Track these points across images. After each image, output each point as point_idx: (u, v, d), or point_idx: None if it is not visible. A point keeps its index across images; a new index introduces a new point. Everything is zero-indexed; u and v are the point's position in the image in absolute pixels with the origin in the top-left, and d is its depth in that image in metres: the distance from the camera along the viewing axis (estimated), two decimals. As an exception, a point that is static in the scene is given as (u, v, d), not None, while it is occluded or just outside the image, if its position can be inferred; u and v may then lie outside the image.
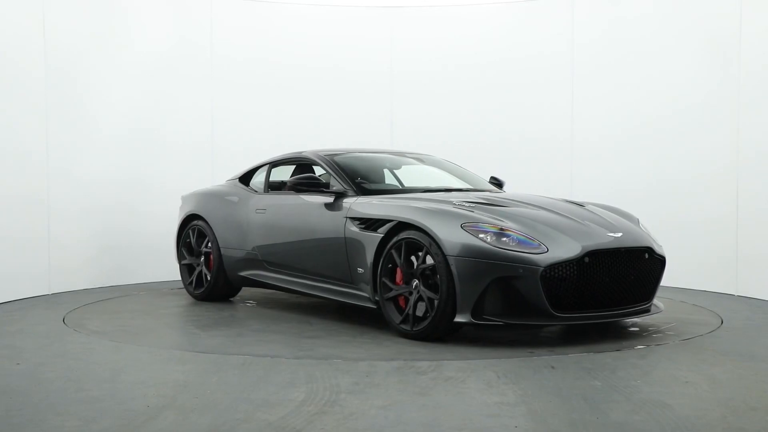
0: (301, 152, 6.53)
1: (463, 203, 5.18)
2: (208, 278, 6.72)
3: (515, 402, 3.53)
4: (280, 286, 6.16)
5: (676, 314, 6.07)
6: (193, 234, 6.99)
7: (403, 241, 4.98)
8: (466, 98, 8.84)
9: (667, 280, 7.67)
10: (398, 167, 6.55)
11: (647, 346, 4.78)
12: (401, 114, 8.92)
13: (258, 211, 6.38)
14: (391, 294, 5.05)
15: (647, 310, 5.19)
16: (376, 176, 6.25)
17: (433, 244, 4.79)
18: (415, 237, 4.90)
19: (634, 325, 5.49)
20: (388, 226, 5.10)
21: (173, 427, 3.17)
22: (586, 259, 4.76)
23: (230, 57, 8.58)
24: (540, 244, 4.73)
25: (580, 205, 5.61)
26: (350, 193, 5.66)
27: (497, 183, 6.57)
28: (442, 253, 4.73)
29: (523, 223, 4.90)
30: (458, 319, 4.71)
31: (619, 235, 5.05)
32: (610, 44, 8.22)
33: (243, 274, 6.45)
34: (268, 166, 6.76)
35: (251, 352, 4.64)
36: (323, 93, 8.83)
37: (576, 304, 4.78)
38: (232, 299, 6.85)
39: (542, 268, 4.62)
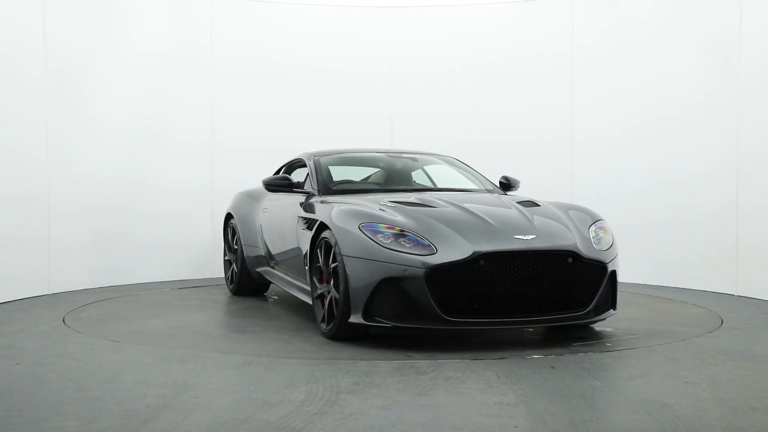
0: (303, 153, 6.67)
1: (390, 204, 5.11)
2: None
3: (515, 402, 3.53)
4: (276, 284, 6.34)
5: (676, 314, 6.07)
6: (229, 232, 7.32)
7: (322, 240, 5.06)
8: (466, 98, 8.84)
9: (668, 280, 7.72)
10: (391, 167, 6.59)
11: (648, 346, 4.77)
12: (401, 114, 8.92)
13: (264, 210, 6.64)
14: (317, 293, 5.15)
15: (582, 318, 4.83)
16: (350, 176, 6.36)
17: (336, 244, 4.83)
18: (328, 237, 4.97)
19: (606, 328, 5.48)
20: (316, 225, 5.21)
21: (173, 427, 3.17)
22: (481, 262, 4.55)
23: (230, 57, 8.58)
24: (430, 245, 4.59)
25: (536, 204, 5.38)
26: (315, 193, 5.83)
27: (507, 183, 6.36)
28: (341, 252, 4.77)
29: (425, 224, 4.76)
30: (351, 319, 4.70)
31: (530, 237, 4.75)
32: (610, 44, 8.22)
33: (259, 270, 6.69)
34: (285, 166, 6.99)
35: (251, 352, 4.64)
36: (323, 93, 8.83)
37: (472, 308, 4.57)
38: (265, 293, 7.06)
39: (426, 270, 4.49)
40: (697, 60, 7.56)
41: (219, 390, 3.74)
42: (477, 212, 4.98)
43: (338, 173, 6.48)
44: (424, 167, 6.63)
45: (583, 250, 4.83)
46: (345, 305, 4.72)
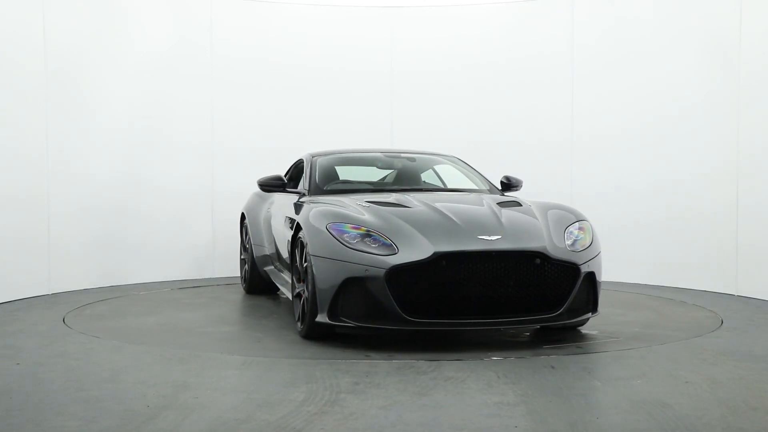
0: (306, 153, 6.73)
1: (365, 204, 5.12)
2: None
3: (515, 402, 3.53)
4: (276, 282, 6.38)
5: (676, 314, 6.07)
6: (243, 231, 7.44)
7: (299, 240, 5.11)
8: (466, 98, 8.84)
9: (668, 280, 7.72)
10: (388, 168, 6.63)
11: (648, 346, 4.78)
12: (401, 114, 8.92)
13: (267, 210, 6.75)
14: (296, 291, 5.20)
15: (554, 320, 4.74)
16: (350, 176, 6.39)
17: (307, 243, 4.88)
18: (302, 237, 5.01)
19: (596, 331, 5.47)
20: (294, 225, 5.27)
21: (173, 427, 3.17)
22: (443, 263, 4.52)
23: (230, 57, 8.58)
24: (392, 245, 4.59)
25: (518, 204, 5.34)
26: (305, 192, 5.91)
27: (507, 183, 6.32)
28: (309, 252, 4.82)
29: (391, 224, 4.76)
30: (318, 318, 4.72)
31: (494, 238, 4.68)
32: (610, 44, 8.22)
33: (266, 269, 6.74)
34: (292, 166, 7.06)
35: (251, 352, 4.64)
36: (323, 93, 8.83)
37: (435, 308, 4.54)
38: (277, 292, 7.04)
39: (387, 270, 4.49)
40: (697, 60, 7.56)
41: (219, 390, 3.74)
42: (448, 213, 4.94)
43: (342, 173, 6.52)
44: (434, 167, 6.63)
45: (553, 251, 4.72)
46: (312, 304, 4.76)
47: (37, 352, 4.63)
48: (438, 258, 4.51)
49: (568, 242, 4.89)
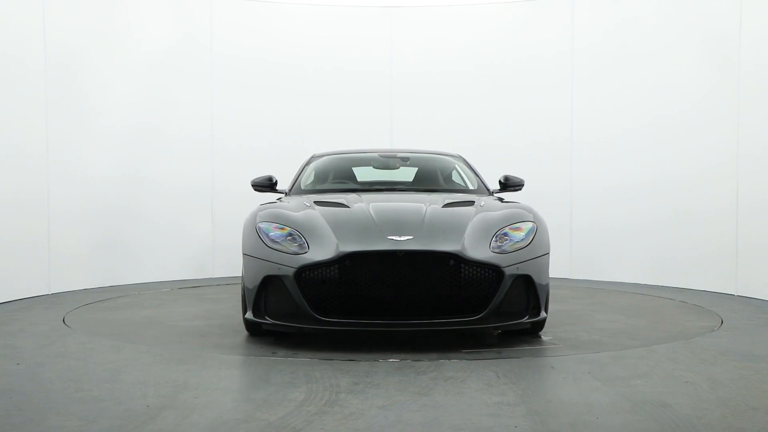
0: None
1: (307, 204, 5.18)
2: None
3: (515, 402, 3.53)
4: None
5: (676, 314, 6.07)
6: None
7: None
8: (466, 98, 8.84)
9: (668, 279, 7.72)
10: (384, 168, 6.67)
11: (648, 346, 4.77)
12: (401, 113, 8.93)
13: None
14: None
15: (475, 323, 4.58)
16: (342, 176, 6.38)
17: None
18: None
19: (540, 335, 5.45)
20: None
21: (173, 427, 3.17)
22: (347, 262, 4.52)
23: (230, 56, 8.58)
24: (304, 244, 4.66)
25: (469, 204, 5.22)
26: (286, 192, 6.04)
27: (505, 183, 6.20)
28: (242, 251, 4.95)
29: (311, 224, 4.81)
30: (246, 316, 4.86)
31: (404, 238, 4.59)
32: (610, 44, 8.22)
33: None
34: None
35: (251, 352, 4.64)
36: (323, 93, 8.84)
37: (344, 308, 4.53)
38: None
39: (295, 269, 4.55)
40: (697, 60, 7.56)
41: (219, 390, 3.74)
42: (374, 213, 4.91)
43: (339, 173, 6.52)
44: (456, 166, 6.60)
45: (471, 252, 4.58)
46: (243, 302, 4.93)
47: (37, 352, 4.63)
48: (342, 258, 4.52)
49: (496, 244, 4.72)
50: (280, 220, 4.91)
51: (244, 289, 4.90)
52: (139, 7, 8.03)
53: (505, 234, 4.83)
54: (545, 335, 5.12)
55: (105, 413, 3.35)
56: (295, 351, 4.65)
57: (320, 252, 4.58)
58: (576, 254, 8.48)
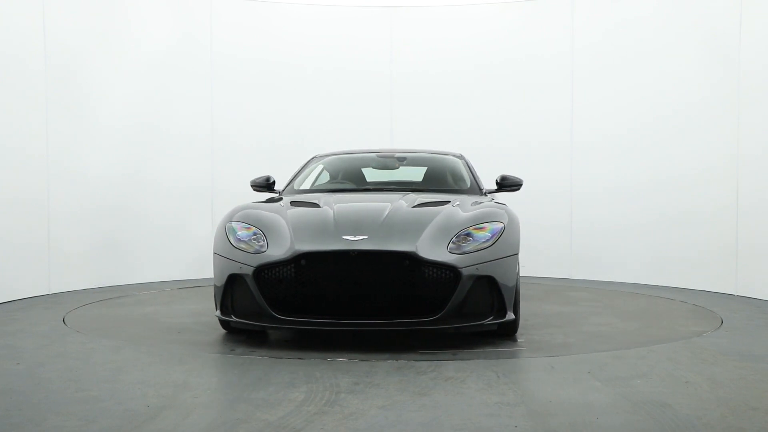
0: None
1: (282, 205, 5.26)
2: None
3: (515, 402, 3.53)
4: None
5: (675, 314, 6.07)
6: None
7: None
8: (466, 98, 8.84)
9: (668, 279, 7.72)
10: (381, 168, 6.69)
11: (648, 346, 4.78)
12: (401, 113, 8.92)
13: None
14: None
15: (433, 324, 4.53)
16: (347, 177, 6.44)
17: None
18: None
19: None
20: None
21: (173, 427, 3.17)
22: (302, 262, 4.54)
23: (230, 56, 8.58)
24: (264, 244, 4.74)
25: (440, 204, 5.15)
26: (279, 192, 6.09)
27: (501, 183, 6.13)
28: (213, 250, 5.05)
29: (275, 224, 4.87)
30: (216, 313, 4.97)
31: (358, 238, 4.58)
32: (610, 44, 8.23)
33: None
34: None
35: (251, 352, 4.64)
36: (323, 93, 8.84)
37: (302, 307, 4.56)
38: None
39: (254, 268, 4.63)
40: (697, 60, 7.56)
41: (219, 390, 3.74)
42: (337, 213, 4.93)
43: (339, 173, 6.55)
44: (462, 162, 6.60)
45: (426, 253, 4.52)
46: (215, 300, 5.01)
47: (37, 352, 4.63)
48: (297, 257, 4.55)
49: (456, 244, 4.64)
50: (249, 220, 4.98)
51: (214, 288, 5.02)
52: (139, 7, 8.02)
53: (468, 234, 4.74)
54: (521, 336, 5.07)
55: (105, 413, 3.35)
56: (295, 351, 4.65)
57: (277, 251, 4.65)
58: (576, 254, 8.48)
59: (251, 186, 6.26)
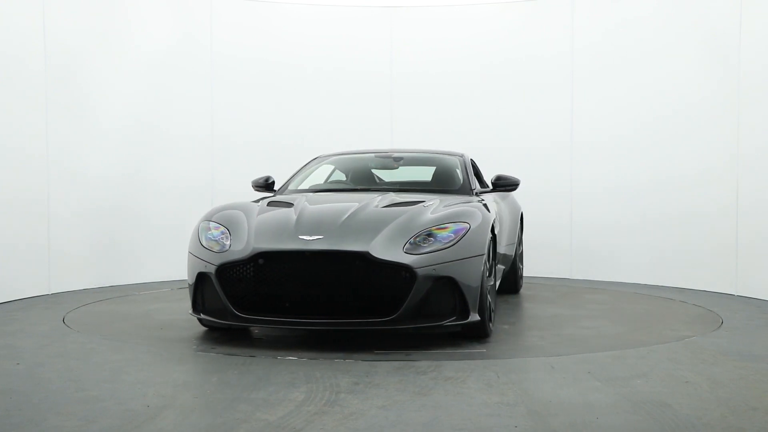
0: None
1: (259, 204, 5.34)
2: None
3: (515, 402, 3.53)
4: None
5: (676, 314, 6.07)
6: None
7: None
8: (466, 98, 8.84)
9: (667, 279, 7.72)
10: (380, 168, 6.72)
11: (648, 346, 4.78)
12: (401, 113, 8.92)
13: None
14: None
15: (389, 324, 4.51)
16: (353, 178, 6.49)
17: None
18: None
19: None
20: None
21: (173, 427, 3.17)
22: (260, 261, 4.59)
23: (230, 56, 8.58)
24: (227, 244, 4.80)
25: (411, 204, 5.11)
26: (275, 192, 6.18)
27: (497, 183, 6.10)
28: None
29: (240, 223, 4.94)
30: (189, 311, 5.06)
31: (313, 238, 4.61)
32: (610, 44, 8.22)
33: None
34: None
35: (251, 352, 4.64)
36: (323, 93, 8.83)
37: (262, 306, 4.61)
38: None
39: (216, 266, 4.70)
40: (697, 60, 7.56)
41: (219, 390, 3.74)
42: (301, 212, 4.98)
43: (340, 173, 6.59)
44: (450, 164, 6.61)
45: (380, 253, 4.50)
46: (190, 298, 5.05)
47: (37, 352, 4.63)
48: (255, 256, 4.61)
49: (413, 245, 4.60)
50: (220, 220, 5.05)
51: (188, 286, 5.10)
52: (139, 7, 8.02)
53: (429, 234, 4.69)
54: (497, 334, 5.05)
55: (105, 413, 3.35)
56: (295, 351, 4.65)
57: (238, 250, 4.71)
58: (576, 254, 8.48)
59: (252, 186, 6.29)
